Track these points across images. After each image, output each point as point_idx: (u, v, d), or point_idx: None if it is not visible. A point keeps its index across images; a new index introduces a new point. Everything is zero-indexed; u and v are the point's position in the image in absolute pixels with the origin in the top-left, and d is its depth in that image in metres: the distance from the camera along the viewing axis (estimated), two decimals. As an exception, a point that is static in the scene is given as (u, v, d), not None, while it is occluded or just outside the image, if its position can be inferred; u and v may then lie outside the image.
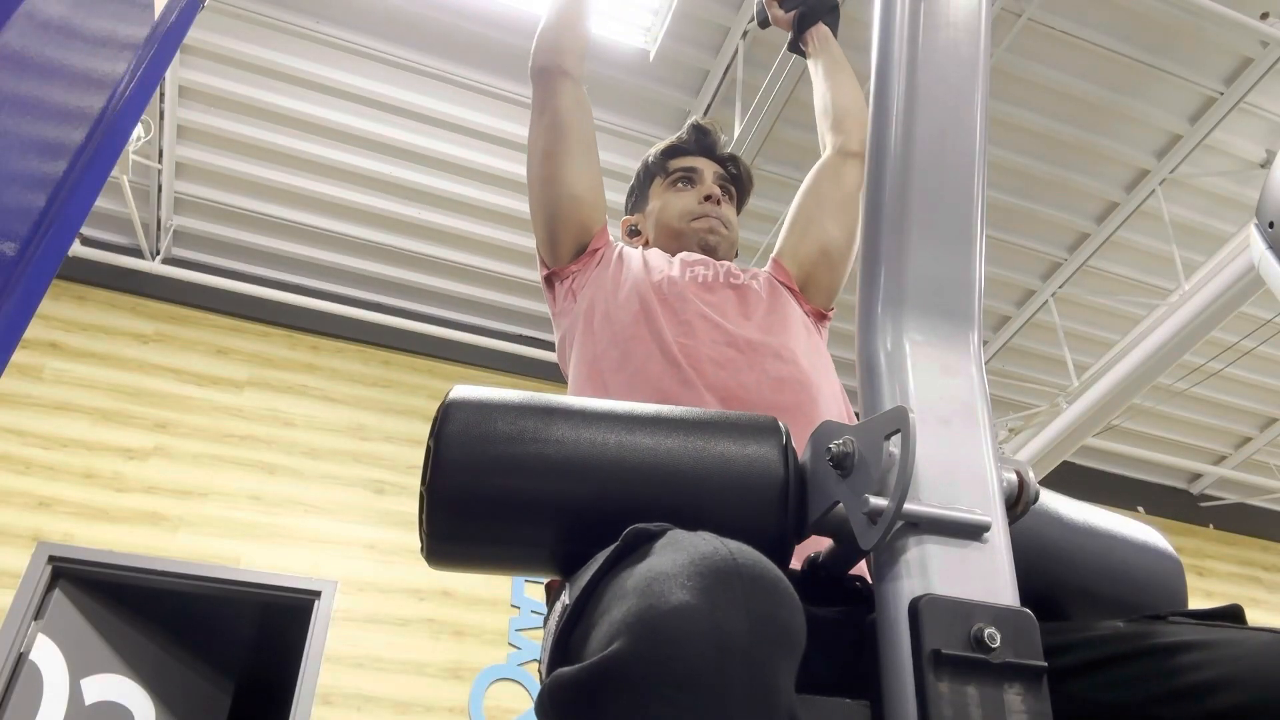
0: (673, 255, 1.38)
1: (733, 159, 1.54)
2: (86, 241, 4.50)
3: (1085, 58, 3.86)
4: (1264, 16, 3.60)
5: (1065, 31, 3.75)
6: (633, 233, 1.53)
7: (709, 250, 1.42)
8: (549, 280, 1.39)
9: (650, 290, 1.24)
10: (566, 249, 1.36)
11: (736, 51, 3.84)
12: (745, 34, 3.79)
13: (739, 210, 1.54)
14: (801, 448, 0.76)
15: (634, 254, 1.36)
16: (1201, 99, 4.02)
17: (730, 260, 1.45)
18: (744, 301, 1.27)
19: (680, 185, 1.49)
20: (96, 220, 4.50)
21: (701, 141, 1.52)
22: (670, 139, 1.55)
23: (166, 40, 1.03)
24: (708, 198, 1.45)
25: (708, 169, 1.50)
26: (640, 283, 1.26)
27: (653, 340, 1.17)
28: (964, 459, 0.70)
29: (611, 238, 1.41)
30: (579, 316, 1.29)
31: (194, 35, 3.81)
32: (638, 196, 1.56)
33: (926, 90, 0.82)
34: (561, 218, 1.35)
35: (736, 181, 1.53)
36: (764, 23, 1.76)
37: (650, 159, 1.55)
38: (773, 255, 1.46)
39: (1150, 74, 3.91)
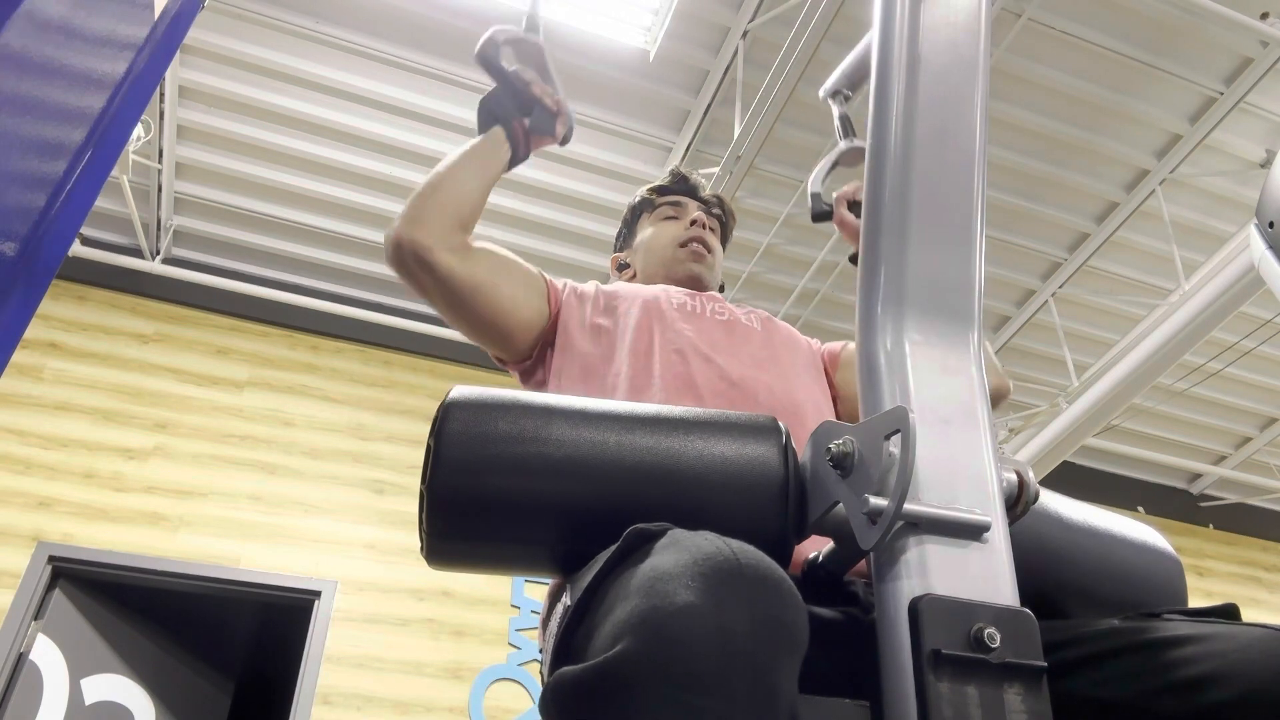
0: (658, 283, 1.36)
1: (717, 200, 1.56)
2: (86, 241, 4.50)
3: (1085, 58, 3.86)
4: (1264, 16, 3.60)
5: (1065, 31, 3.75)
6: (622, 267, 1.53)
7: (695, 277, 1.41)
8: (529, 369, 1.27)
9: (638, 324, 1.21)
10: (531, 344, 1.25)
11: (736, 51, 3.84)
12: (745, 34, 3.79)
13: (723, 247, 1.54)
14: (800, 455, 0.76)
15: (590, 292, 1.29)
16: (1201, 99, 4.02)
17: (714, 288, 1.45)
18: (732, 335, 1.24)
19: (668, 216, 1.50)
20: (96, 220, 4.50)
21: (683, 185, 1.55)
22: (655, 182, 1.57)
23: (166, 40, 1.03)
24: (694, 222, 1.46)
25: (693, 204, 1.52)
26: (627, 317, 1.23)
27: (644, 367, 1.14)
28: (964, 459, 0.70)
29: (562, 287, 1.29)
30: (560, 359, 1.22)
31: (194, 35, 3.81)
32: (626, 235, 1.57)
33: (926, 90, 0.82)
34: (520, 343, 1.24)
35: (720, 220, 1.54)
36: (821, 216, 1.47)
37: (637, 199, 1.56)
38: (827, 346, 1.39)
39: (1150, 74, 3.91)
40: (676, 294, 1.30)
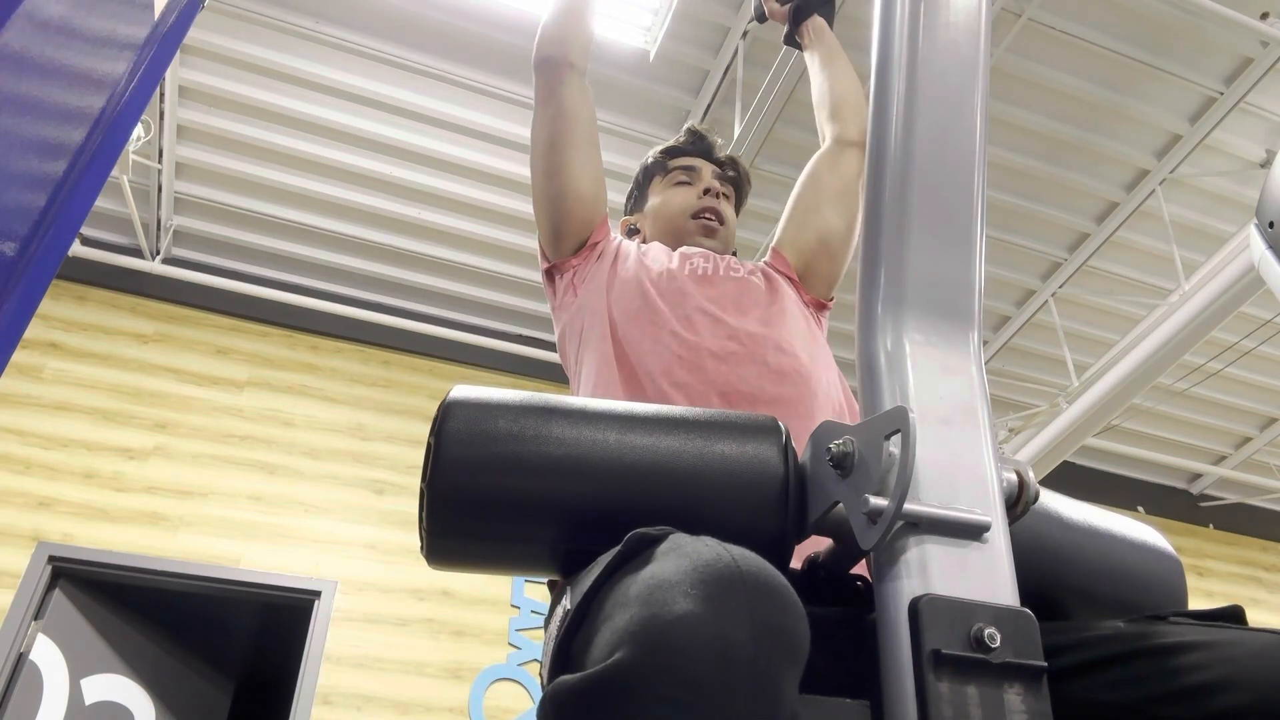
0: (672, 250, 1.38)
1: (731, 160, 1.55)
2: (86, 241, 4.50)
3: (1085, 58, 3.86)
4: (1264, 16, 3.60)
5: (1065, 31, 3.75)
6: (632, 232, 1.53)
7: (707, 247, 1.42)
8: (550, 274, 1.38)
9: (650, 285, 1.25)
10: (569, 243, 1.36)
11: (736, 51, 3.84)
12: (745, 34, 3.79)
13: (737, 211, 1.54)
14: (802, 441, 0.76)
15: (632, 248, 1.37)
16: (1201, 99, 4.02)
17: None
18: (743, 294, 1.27)
19: (680, 182, 1.49)
20: (96, 220, 4.50)
21: (699, 144, 1.54)
22: (669, 141, 1.56)
23: (166, 40, 1.03)
24: (707, 191, 1.46)
25: (706, 168, 1.51)
26: (640, 278, 1.27)
27: (654, 336, 1.18)
28: (964, 459, 0.70)
29: (611, 232, 1.41)
30: (580, 311, 1.29)
31: (194, 35, 3.81)
32: (637, 197, 1.56)
33: (926, 90, 0.82)
34: (565, 212, 1.35)
35: (735, 182, 1.53)
36: (761, 17, 1.75)
37: (649, 160, 1.56)
38: (771, 245, 1.47)
39: (1150, 74, 3.91)
40: (694, 256, 1.34)
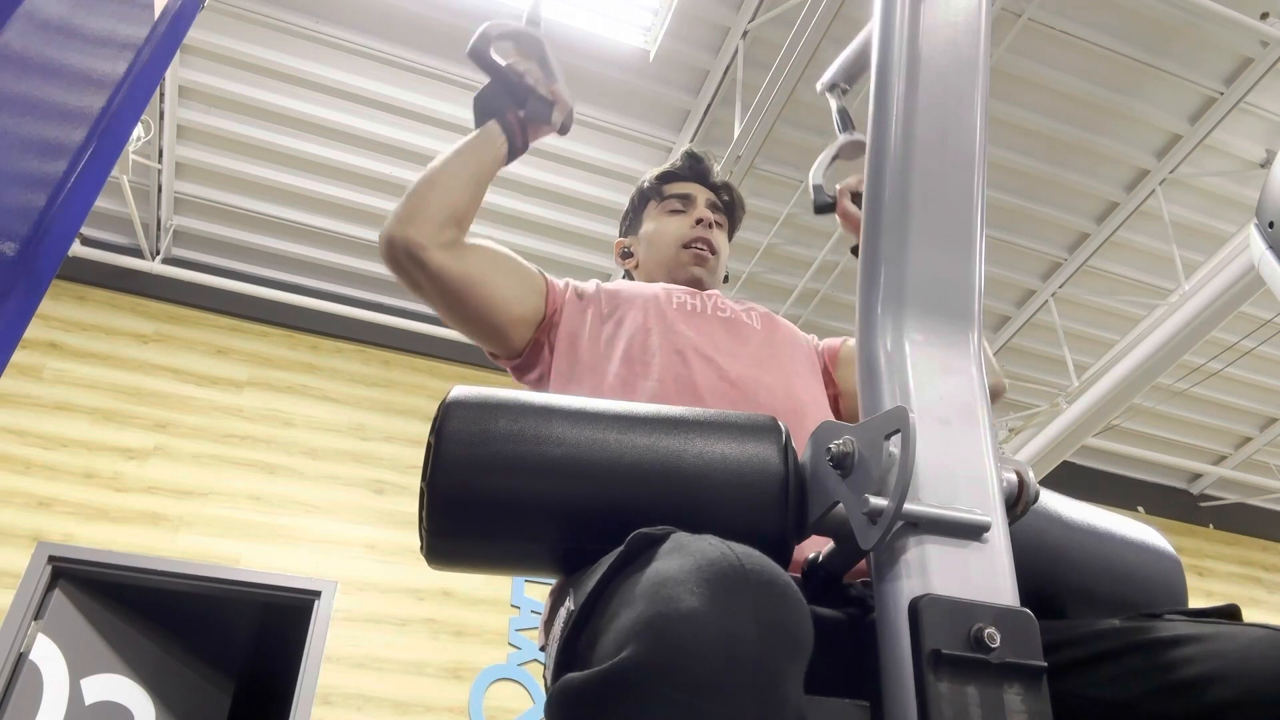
0: (659, 283, 1.35)
1: (725, 186, 1.54)
2: (86, 241, 4.50)
3: (1085, 58, 3.86)
4: (1264, 16, 3.60)
5: (1065, 31, 3.75)
6: (625, 255, 1.52)
7: (696, 280, 1.40)
8: (519, 368, 1.28)
9: (639, 324, 1.21)
10: (522, 339, 1.26)
11: (736, 51, 3.84)
12: (745, 34, 3.79)
13: (730, 236, 1.53)
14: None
15: (606, 290, 1.30)
16: (1201, 99, 4.02)
17: (716, 288, 1.44)
18: (734, 334, 1.24)
19: (674, 210, 1.48)
20: (96, 220, 4.50)
21: (695, 168, 1.52)
22: (665, 166, 1.55)
23: (166, 40, 1.03)
24: (699, 221, 1.45)
25: (701, 195, 1.49)
26: (626, 318, 1.23)
27: (643, 373, 1.14)
28: (964, 459, 0.70)
29: (560, 283, 1.30)
30: (561, 358, 1.23)
31: (194, 35, 3.81)
32: (632, 220, 1.55)
33: (926, 90, 0.82)
34: (509, 339, 1.24)
35: (729, 209, 1.53)
36: (822, 208, 1.44)
37: (645, 184, 1.54)
38: (825, 342, 1.39)
39: (1150, 74, 3.91)
40: (678, 292, 1.29)
